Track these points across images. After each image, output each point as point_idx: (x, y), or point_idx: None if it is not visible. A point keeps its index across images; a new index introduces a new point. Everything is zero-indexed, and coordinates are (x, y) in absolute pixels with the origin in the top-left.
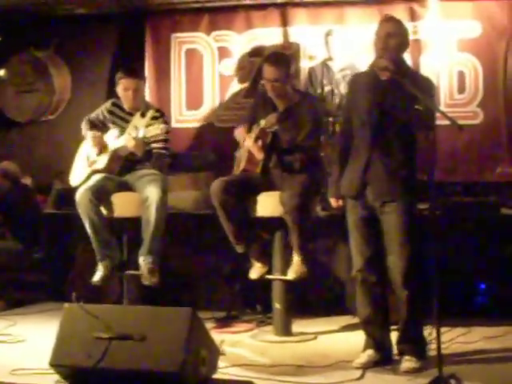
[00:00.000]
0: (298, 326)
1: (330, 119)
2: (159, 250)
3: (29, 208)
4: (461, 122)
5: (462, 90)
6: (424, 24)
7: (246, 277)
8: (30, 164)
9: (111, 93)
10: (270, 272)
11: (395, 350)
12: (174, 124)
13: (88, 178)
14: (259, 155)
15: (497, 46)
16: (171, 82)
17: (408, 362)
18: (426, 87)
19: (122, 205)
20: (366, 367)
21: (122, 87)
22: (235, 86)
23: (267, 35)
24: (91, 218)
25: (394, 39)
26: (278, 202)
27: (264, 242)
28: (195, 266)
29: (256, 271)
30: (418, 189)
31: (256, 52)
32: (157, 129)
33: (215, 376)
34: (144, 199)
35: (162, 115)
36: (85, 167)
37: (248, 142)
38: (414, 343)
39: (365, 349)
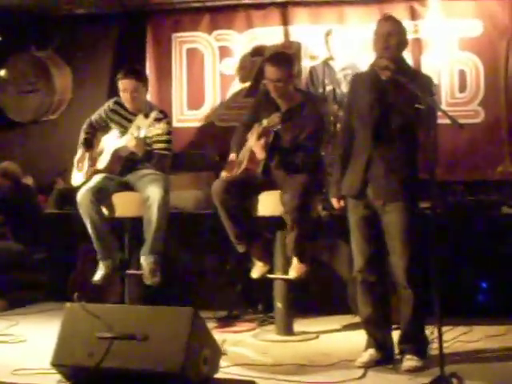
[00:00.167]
0: (299, 325)
1: (332, 119)
2: (161, 250)
3: (30, 208)
4: (462, 120)
5: (463, 88)
6: (425, 23)
7: (247, 276)
8: (31, 164)
9: (112, 93)
10: (271, 271)
11: (397, 349)
12: (175, 123)
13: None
14: (261, 154)
15: (498, 44)
16: (172, 82)
17: (410, 361)
18: (427, 86)
19: (123, 205)
20: (368, 366)
21: (121, 88)
22: (236, 86)
23: (268, 34)
24: (92, 218)
25: (394, 38)
26: (279, 201)
27: (265, 241)
28: (197, 265)
29: (257, 270)
30: (420, 188)
31: (257, 51)
32: (158, 129)
33: (217, 375)
34: (145, 199)
35: (165, 116)
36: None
37: (250, 141)
38: (415, 342)
39: (366, 348)
